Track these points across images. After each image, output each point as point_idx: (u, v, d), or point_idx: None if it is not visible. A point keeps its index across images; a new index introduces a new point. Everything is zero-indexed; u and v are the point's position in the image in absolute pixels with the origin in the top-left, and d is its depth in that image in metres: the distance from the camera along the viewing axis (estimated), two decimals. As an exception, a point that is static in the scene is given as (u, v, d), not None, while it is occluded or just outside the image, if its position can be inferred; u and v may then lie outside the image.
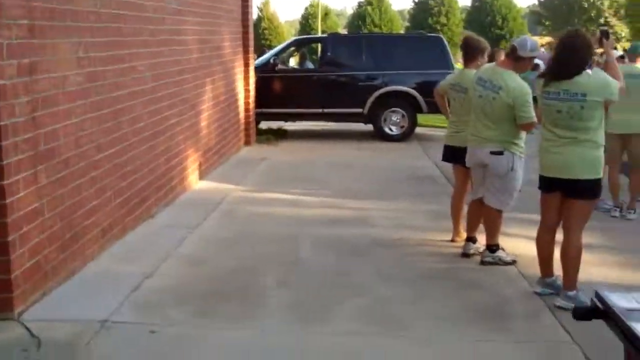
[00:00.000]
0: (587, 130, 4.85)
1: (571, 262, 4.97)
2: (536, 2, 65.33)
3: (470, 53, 6.46)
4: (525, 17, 63.66)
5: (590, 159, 4.89)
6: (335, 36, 16.45)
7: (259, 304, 5.08)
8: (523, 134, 5.80)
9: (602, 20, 55.83)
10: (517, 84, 5.61)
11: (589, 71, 4.83)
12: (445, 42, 14.39)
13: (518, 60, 5.65)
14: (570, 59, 4.85)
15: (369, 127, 14.37)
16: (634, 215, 8.02)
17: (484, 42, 6.55)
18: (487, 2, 55.82)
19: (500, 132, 5.67)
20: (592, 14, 57.18)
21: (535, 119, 5.55)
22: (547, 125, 5.04)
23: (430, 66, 13.93)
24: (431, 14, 56.75)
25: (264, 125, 14.66)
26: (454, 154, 6.53)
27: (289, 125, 15.34)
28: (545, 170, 5.08)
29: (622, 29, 57.23)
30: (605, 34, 5.26)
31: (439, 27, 54.51)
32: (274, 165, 11.18)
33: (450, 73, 14.11)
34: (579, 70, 4.81)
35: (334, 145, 13.44)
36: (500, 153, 5.68)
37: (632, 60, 8.40)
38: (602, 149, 4.97)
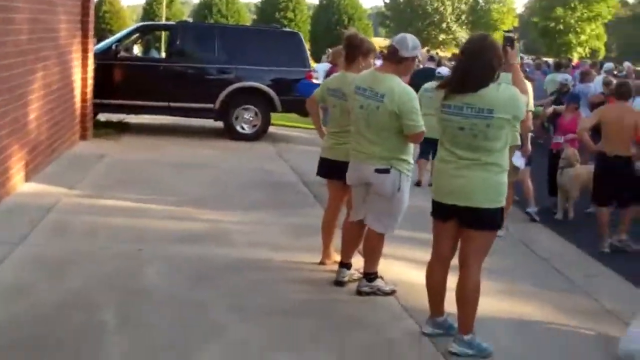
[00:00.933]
0: (492, 151, 4.20)
1: (469, 301, 4.29)
2: (382, 3, 66.55)
3: (352, 54, 5.71)
4: (371, 17, 64.75)
5: (494, 185, 4.26)
6: (185, 24, 15.20)
7: (95, 356, 4.07)
8: (411, 149, 5.16)
9: (444, 26, 57.89)
10: (402, 88, 4.96)
11: (497, 84, 4.19)
12: (302, 39, 13.69)
13: (400, 62, 5.01)
14: (475, 68, 4.16)
15: (220, 124, 13.42)
16: (502, 232, 7.64)
17: (369, 43, 5.81)
18: (334, 1, 56.05)
19: (386, 147, 4.97)
20: (435, 19, 59.01)
21: (424, 128, 4.93)
22: (445, 144, 4.34)
23: (286, 63, 13.23)
24: (279, 8, 56.24)
25: (102, 117, 13.29)
26: (331, 169, 5.76)
27: (132, 119, 14.08)
28: (440, 196, 4.39)
29: (464, 36, 59.51)
30: (509, 41, 4.54)
31: (286, 23, 54.17)
32: (114, 164, 10.00)
33: (307, 71, 13.73)
34: (485, 82, 4.16)
35: (182, 143, 12.39)
36: (387, 171, 4.98)
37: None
38: (506, 174, 4.33)
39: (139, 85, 12.89)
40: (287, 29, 15.71)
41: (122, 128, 13.25)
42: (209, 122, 13.69)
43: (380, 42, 63.42)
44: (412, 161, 5.16)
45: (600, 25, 40.65)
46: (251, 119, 13.18)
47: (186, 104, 13.00)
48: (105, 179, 9.01)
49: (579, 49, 40.79)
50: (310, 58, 14.01)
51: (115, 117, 13.54)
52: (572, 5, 40.61)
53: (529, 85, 5.54)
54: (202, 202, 8.06)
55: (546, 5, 41.32)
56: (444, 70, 10.39)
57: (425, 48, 40.33)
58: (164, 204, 7.85)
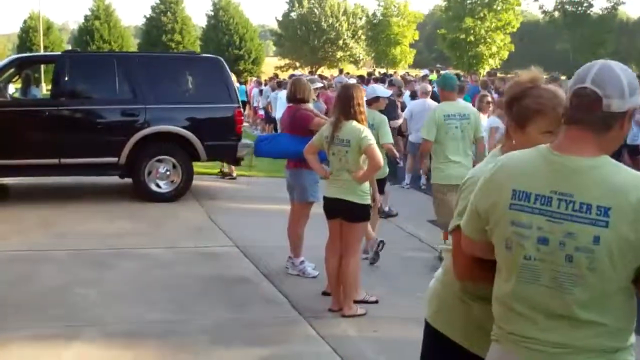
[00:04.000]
0: None
1: None
2: (272, 22, 64.34)
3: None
4: (263, 36, 62.50)
5: None
6: (73, 55, 11.73)
7: None
8: None
9: (341, 42, 55.98)
10: None
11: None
12: (225, 65, 10.84)
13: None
14: None
15: (129, 181, 10.40)
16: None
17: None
18: (223, 21, 53.27)
19: None
20: (332, 36, 57.00)
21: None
22: None
23: (209, 98, 10.44)
24: (164, 30, 53.01)
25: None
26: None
27: (10, 181, 10.86)
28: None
29: (361, 52, 57.89)
30: None
31: (173, 45, 51.30)
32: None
33: (235, 107, 10.92)
34: None
35: (79, 213, 9.27)
36: None
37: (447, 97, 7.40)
38: None
39: (17, 137, 9.74)
40: (207, 55, 12.78)
41: (-3, 195, 10.05)
42: (115, 180, 10.65)
43: (275, 63, 61.42)
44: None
45: (508, 35, 39.63)
46: (168, 173, 10.24)
47: (82, 160, 9.90)
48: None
49: (490, 61, 39.58)
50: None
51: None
52: (482, 14, 39.28)
53: None
54: (135, 334, 5.13)
55: (454, 16, 39.84)
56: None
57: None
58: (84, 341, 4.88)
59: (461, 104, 7.73)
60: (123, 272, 6.76)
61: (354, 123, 5.58)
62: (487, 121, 9.58)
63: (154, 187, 10.16)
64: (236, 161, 10.86)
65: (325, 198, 5.86)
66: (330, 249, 5.82)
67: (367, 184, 5.71)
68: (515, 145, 2.55)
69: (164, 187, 10.22)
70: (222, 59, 11.00)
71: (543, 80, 2.66)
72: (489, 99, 10.71)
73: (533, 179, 2.19)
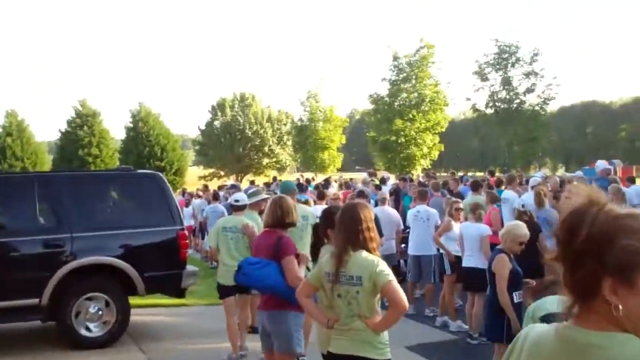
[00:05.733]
0: None
1: None
2: (192, 132, 63.30)
3: None
4: (187, 145, 61.00)
5: None
6: None
7: None
8: None
9: (266, 149, 55.15)
10: None
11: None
12: (165, 181, 9.35)
13: None
14: None
15: (52, 325, 8.62)
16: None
17: None
18: (143, 132, 51.67)
19: None
20: (257, 143, 56.11)
21: None
22: None
23: (148, 220, 8.91)
24: (81, 145, 50.97)
25: None
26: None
27: None
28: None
29: (287, 157, 57.12)
30: None
31: (91, 160, 49.31)
32: None
33: (178, 229, 9.40)
34: None
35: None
36: None
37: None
38: None
39: None
40: (144, 171, 11.29)
41: None
42: (36, 326, 8.83)
43: (198, 172, 59.93)
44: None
45: (437, 135, 39.44)
46: (100, 312, 8.52)
47: (-6, 303, 8.10)
48: None
49: (422, 161, 39.08)
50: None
51: None
52: (411, 115, 38.97)
53: None
54: None
55: (382, 119, 39.45)
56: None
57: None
58: None
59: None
60: None
61: (364, 254, 4.19)
62: (473, 228, 8.56)
63: (83, 332, 8.41)
64: (181, 293, 9.26)
65: (331, 355, 4.36)
66: None
67: (386, 334, 4.27)
68: (624, 314, 1.54)
69: (95, 330, 8.48)
70: (161, 175, 9.52)
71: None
72: (460, 205, 9.70)
73: None
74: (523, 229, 6.42)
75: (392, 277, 4.12)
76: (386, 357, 4.23)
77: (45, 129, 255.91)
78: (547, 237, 9.35)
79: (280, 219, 5.34)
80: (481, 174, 35.15)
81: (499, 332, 6.15)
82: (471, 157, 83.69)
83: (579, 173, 19.78)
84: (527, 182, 14.28)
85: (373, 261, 4.14)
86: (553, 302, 4.98)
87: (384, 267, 4.15)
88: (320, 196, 11.72)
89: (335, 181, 22.76)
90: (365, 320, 4.14)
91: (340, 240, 4.27)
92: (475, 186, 12.03)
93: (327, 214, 5.01)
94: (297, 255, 5.28)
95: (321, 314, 4.41)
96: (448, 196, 11.61)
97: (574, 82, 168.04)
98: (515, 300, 6.17)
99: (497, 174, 22.91)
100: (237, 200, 8.22)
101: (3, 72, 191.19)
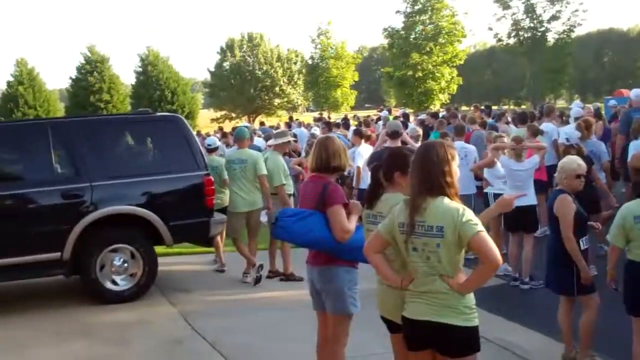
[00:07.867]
0: None
1: None
2: (202, 74, 62.54)
3: None
4: (196, 88, 60.09)
5: None
6: None
7: None
8: None
9: (277, 89, 54.41)
10: None
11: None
12: (187, 124, 8.77)
13: None
14: None
15: (76, 280, 8.19)
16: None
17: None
18: (153, 76, 51.02)
19: None
20: (267, 83, 55.27)
21: None
22: None
23: (170, 166, 8.37)
24: (92, 91, 50.45)
25: None
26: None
27: None
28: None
29: (298, 97, 56.28)
30: None
31: (102, 105, 48.86)
32: None
33: (203, 174, 8.88)
34: None
35: (10, 338, 7.02)
36: None
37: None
38: None
39: None
40: (163, 113, 10.70)
41: None
42: (59, 281, 8.40)
43: (211, 115, 59.30)
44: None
45: (455, 68, 38.42)
46: (126, 265, 8.07)
47: (13, 259, 7.61)
48: None
49: (440, 96, 38.16)
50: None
51: None
52: (428, 49, 37.90)
53: None
54: None
55: (398, 53, 38.36)
56: None
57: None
58: None
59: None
60: None
61: (446, 200, 3.61)
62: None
63: (109, 285, 7.97)
64: (209, 242, 8.79)
65: (406, 320, 3.82)
66: None
67: (472, 297, 3.71)
68: None
69: (122, 283, 8.05)
70: (181, 117, 8.93)
71: None
72: (505, 139, 9.10)
73: None
74: (577, 161, 5.81)
75: (481, 227, 3.50)
76: (473, 324, 3.63)
77: (55, 77, 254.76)
78: (597, 171, 8.78)
79: (325, 163, 4.74)
80: (495, 107, 34.33)
81: (569, 285, 5.55)
82: (483, 90, 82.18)
83: (612, 102, 18.97)
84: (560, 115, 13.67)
85: (458, 209, 3.53)
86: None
87: (470, 215, 3.54)
88: (360, 135, 11.00)
89: (352, 119, 22.05)
90: (448, 280, 3.60)
91: (414, 185, 3.69)
92: (523, 119, 11.47)
93: (396, 155, 4.33)
94: (346, 205, 4.68)
95: (393, 273, 3.84)
96: (489, 130, 10.96)
97: (589, 10, 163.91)
98: (582, 247, 5.56)
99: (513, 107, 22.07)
100: (209, 145, 9.82)
101: (10, 21, 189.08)
